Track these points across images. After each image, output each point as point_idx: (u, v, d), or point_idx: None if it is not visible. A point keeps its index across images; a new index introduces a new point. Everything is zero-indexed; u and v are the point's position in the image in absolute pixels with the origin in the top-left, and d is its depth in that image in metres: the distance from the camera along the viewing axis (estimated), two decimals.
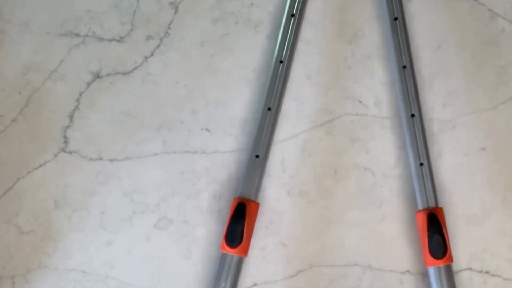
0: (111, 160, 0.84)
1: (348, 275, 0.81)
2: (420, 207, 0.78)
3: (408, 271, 0.81)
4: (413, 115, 0.80)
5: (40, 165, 0.84)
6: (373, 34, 0.85)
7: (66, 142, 0.84)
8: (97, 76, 0.85)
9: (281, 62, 0.82)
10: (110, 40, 0.85)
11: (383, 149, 0.83)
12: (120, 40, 0.86)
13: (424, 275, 0.81)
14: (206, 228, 0.82)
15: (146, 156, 0.84)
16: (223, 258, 0.77)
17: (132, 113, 0.85)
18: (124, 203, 0.83)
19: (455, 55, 0.84)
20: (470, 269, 0.81)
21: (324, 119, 0.84)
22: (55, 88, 0.85)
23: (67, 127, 0.84)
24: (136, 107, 0.85)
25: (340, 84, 0.84)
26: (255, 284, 0.82)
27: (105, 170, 0.84)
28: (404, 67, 0.82)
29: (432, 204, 0.78)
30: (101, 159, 0.84)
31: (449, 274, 0.76)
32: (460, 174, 0.82)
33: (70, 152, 0.84)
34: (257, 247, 0.82)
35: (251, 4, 0.86)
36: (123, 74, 0.85)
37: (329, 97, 0.84)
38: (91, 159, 0.84)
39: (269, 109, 0.81)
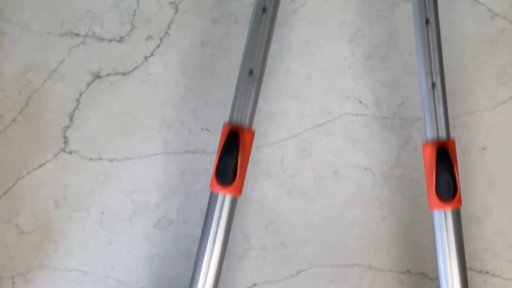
0: (111, 160, 0.84)
1: (348, 275, 0.81)
2: (429, 136, 0.69)
3: (408, 271, 0.81)
4: (427, 21, 0.69)
5: (40, 165, 0.84)
6: (373, 34, 0.85)
7: (66, 142, 0.84)
8: (97, 76, 0.85)
9: None
10: (110, 40, 0.85)
11: (383, 149, 0.83)
12: (120, 40, 0.86)
13: (424, 275, 0.81)
14: None
15: (146, 156, 0.84)
16: (213, 198, 0.67)
17: (132, 113, 0.85)
18: (124, 203, 0.83)
19: (455, 55, 0.84)
20: (470, 269, 0.81)
21: (324, 119, 0.84)
22: (55, 88, 0.85)
23: (67, 127, 0.84)
24: (136, 107, 0.85)
25: (340, 84, 0.84)
26: (255, 284, 0.82)
27: (105, 170, 0.84)
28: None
29: (442, 135, 0.68)
30: (101, 159, 0.84)
31: (457, 220, 0.68)
32: (460, 174, 0.82)
33: (70, 152, 0.84)
34: (257, 247, 0.82)
35: (251, 4, 0.86)
36: (123, 74, 0.85)
37: (329, 97, 0.84)
38: (91, 159, 0.84)
39: (264, 10, 0.68)
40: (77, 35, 0.86)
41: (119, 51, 0.85)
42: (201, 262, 0.68)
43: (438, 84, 0.68)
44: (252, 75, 0.68)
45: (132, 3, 0.86)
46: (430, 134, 0.69)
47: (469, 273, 0.81)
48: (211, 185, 0.66)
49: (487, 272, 0.81)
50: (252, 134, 0.68)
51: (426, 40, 0.70)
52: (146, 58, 0.85)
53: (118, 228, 0.83)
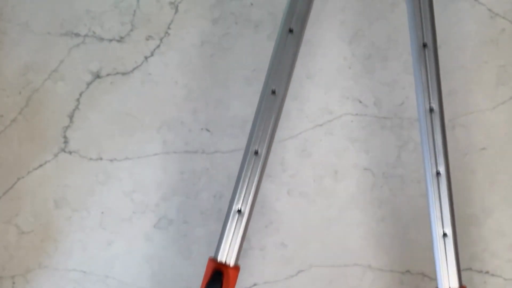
0: (111, 160, 0.84)
1: (348, 275, 0.81)
2: (440, 287, 0.68)
3: (408, 271, 0.81)
4: (438, 173, 0.68)
5: (40, 165, 0.84)
6: (373, 34, 0.85)
7: (66, 142, 0.84)
8: (97, 76, 0.85)
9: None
10: (110, 40, 0.85)
11: (383, 149, 0.83)
12: (120, 40, 0.86)
13: (424, 275, 0.81)
14: (206, 228, 0.82)
15: (146, 156, 0.84)
16: None
17: (132, 113, 0.85)
18: (124, 203, 0.83)
19: (455, 55, 0.84)
20: (470, 269, 0.81)
21: (324, 119, 0.84)
22: (55, 88, 0.85)
23: (67, 127, 0.84)
24: (136, 107, 0.85)
25: (340, 84, 0.84)
26: (255, 284, 0.82)
27: (105, 170, 0.84)
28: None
29: (454, 286, 0.67)
30: (101, 159, 0.84)
31: None
32: (460, 174, 0.82)
33: (70, 152, 0.84)
34: (257, 247, 0.82)
35: (251, 4, 0.86)
36: (123, 74, 0.85)
37: (329, 97, 0.84)
38: (91, 159, 0.84)
39: (255, 151, 0.70)
40: (77, 35, 0.86)
41: (119, 51, 0.85)
42: None
43: (450, 234, 0.67)
44: (240, 213, 0.69)
45: (132, 3, 0.86)
46: (441, 285, 0.67)
47: (469, 273, 0.81)
48: None
49: (487, 272, 0.81)
50: (237, 270, 0.69)
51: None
52: (146, 58, 0.85)
53: (118, 228, 0.83)
